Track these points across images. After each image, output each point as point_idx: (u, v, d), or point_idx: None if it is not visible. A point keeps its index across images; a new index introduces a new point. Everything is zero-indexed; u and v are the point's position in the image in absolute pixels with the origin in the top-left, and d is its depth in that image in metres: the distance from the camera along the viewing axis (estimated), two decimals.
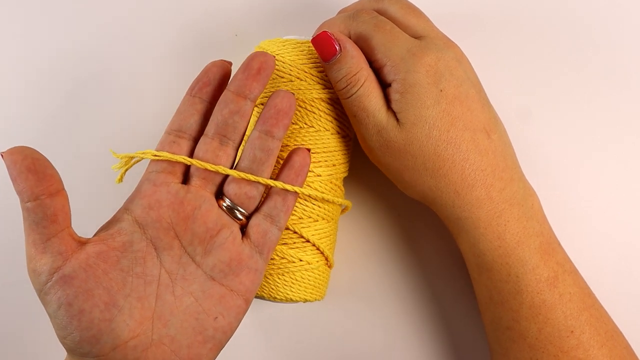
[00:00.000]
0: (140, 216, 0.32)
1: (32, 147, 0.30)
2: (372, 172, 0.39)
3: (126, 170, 0.35)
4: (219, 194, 0.34)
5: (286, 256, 0.36)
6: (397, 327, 0.41)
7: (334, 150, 0.37)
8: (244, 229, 0.34)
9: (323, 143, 0.36)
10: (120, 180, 0.35)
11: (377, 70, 0.35)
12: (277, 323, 0.42)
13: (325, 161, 0.37)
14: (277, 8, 0.44)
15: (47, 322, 0.31)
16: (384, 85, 0.35)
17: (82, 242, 0.31)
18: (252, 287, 0.34)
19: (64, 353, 0.33)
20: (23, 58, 0.44)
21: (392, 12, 0.36)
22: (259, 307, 0.42)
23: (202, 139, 0.34)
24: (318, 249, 0.37)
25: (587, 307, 0.34)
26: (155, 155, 0.33)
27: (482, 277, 0.35)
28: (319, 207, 0.37)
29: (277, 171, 0.35)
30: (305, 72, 0.36)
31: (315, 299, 0.38)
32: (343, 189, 0.38)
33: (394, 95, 0.34)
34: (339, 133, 0.37)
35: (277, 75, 0.36)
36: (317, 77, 0.36)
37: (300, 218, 0.36)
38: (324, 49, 0.34)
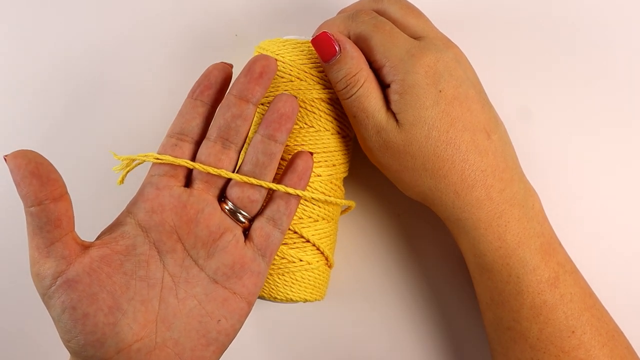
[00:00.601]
0: (143, 219, 0.32)
1: (34, 150, 0.30)
2: (372, 172, 0.39)
3: (127, 172, 0.35)
4: (222, 197, 0.34)
5: (286, 256, 0.36)
6: (398, 327, 0.42)
7: (334, 151, 0.37)
8: (246, 232, 0.34)
9: (323, 143, 0.36)
10: (122, 181, 0.35)
11: (376, 71, 0.35)
12: (277, 323, 0.43)
13: (325, 161, 0.37)
14: (277, 8, 0.44)
15: (51, 324, 0.31)
16: (384, 86, 0.35)
17: (86, 246, 0.31)
18: (255, 290, 0.34)
19: (66, 355, 0.33)
20: (25, 62, 0.44)
21: (391, 13, 0.36)
22: (259, 307, 0.42)
23: (204, 142, 0.34)
24: (318, 249, 0.37)
25: (588, 308, 0.34)
26: (158, 159, 0.33)
27: (482, 277, 0.35)
28: (319, 207, 0.37)
29: (279, 172, 0.36)
30: (306, 72, 0.36)
31: (316, 299, 0.38)
32: (343, 189, 0.38)
33: (393, 96, 0.34)
34: (339, 133, 0.37)
35: (277, 75, 0.36)
36: (317, 77, 0.36)
37: (300, 218, 0.36)
38: (323, 49, 0.34)
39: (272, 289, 0.37)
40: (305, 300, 0.37)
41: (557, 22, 0.43)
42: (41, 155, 0.30)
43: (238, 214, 0.34)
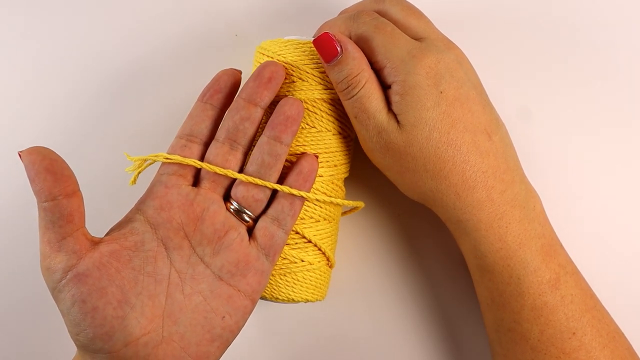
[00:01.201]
0: (152, 216, 0.33)
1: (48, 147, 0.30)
2: (372, 173, 0.39)
3: (139, 172, 0.36)
4: (228, 197, 0.35)
5: (288, 257, 0.36)
6: (398, 328, 0.41)
7: (336, 151, 0.37)
8: (251, 231, 0.35)
9: (325, 143, 0.37)
10: (134, 182, 0.36)
11: (377, 72, 0.35)
12: (278, 323, 0.42)
13: (327, 162, 0.37)
14: (278, 8, 0.44)
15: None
16: (385, 87, 0.35)
17: (96, 242, 0.32)
18: (259, 288, 0.34)
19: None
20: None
21: (393, 14, 0.36)
22: (260, 307, 0.42)
23: (213, 143, 0.35)
24: (320, 249, 0.37)
25: (589, 309, 0.34)
26: (167, 158, 0.34)
27: (483, 278, 0.35)
28: (321, 207, 0.37)
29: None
30: (307, 72, 0.36)
31: (317, 299, 0.38)
32: (344, 189, 0.39)
33: (394, 97, 0.34)
34: (340, 134, 0.37)
35: None
36: (319, 78, 0.36)
37: (302, 219, 0.36)
38: (325, 50, 0.34)
39: (274, 289, 0.37)
40: (307, 301, 0.37)
41: (557, 22, 0.43)
42: (55, 152, 0.30)
43: (243, 214, 0.35)
